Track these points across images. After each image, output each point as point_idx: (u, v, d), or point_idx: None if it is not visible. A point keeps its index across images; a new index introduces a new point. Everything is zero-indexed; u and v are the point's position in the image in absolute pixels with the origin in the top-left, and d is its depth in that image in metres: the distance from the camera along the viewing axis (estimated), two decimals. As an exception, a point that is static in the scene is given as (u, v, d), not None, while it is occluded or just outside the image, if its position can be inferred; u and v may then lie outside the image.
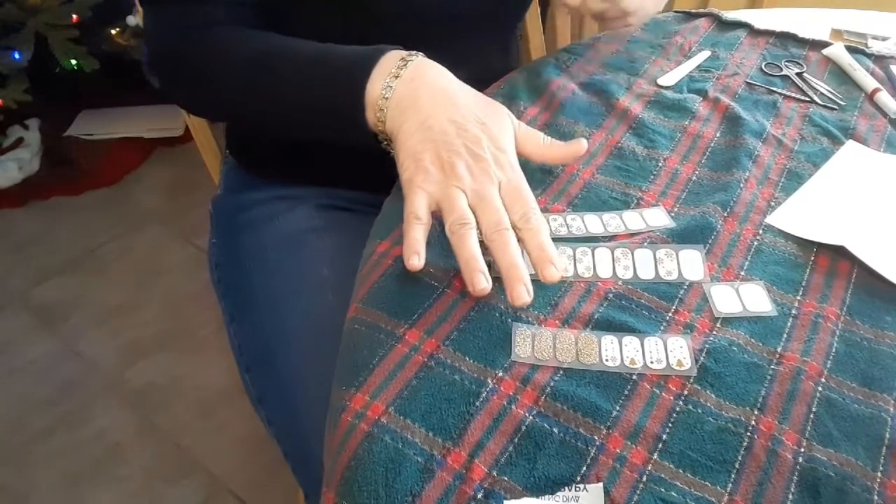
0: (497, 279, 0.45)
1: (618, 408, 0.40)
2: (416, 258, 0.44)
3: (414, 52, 0.51)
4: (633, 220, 0.53)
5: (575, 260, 0.49)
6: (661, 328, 0.44)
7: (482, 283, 0.43)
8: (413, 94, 0.49)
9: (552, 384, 0.41)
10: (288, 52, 0.55)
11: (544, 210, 0.54)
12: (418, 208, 0.45)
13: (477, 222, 0.45)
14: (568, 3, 0.59)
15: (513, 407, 0.39)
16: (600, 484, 0.36)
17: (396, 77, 0.49)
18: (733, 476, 0.37)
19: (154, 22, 0.62)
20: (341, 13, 0.61)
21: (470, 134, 0.47)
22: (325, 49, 0.54)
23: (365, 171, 0.61)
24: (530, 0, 0.77)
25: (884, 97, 0.67)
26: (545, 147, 0.52)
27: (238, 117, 0.67)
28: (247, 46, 0.57)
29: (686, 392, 0.41)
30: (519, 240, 0.45)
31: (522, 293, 0.42)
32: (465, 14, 0.66)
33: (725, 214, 0.53)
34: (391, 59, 0.50)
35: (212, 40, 0.58)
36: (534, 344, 0.43)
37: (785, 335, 0.44)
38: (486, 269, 0.43)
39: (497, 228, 0.44)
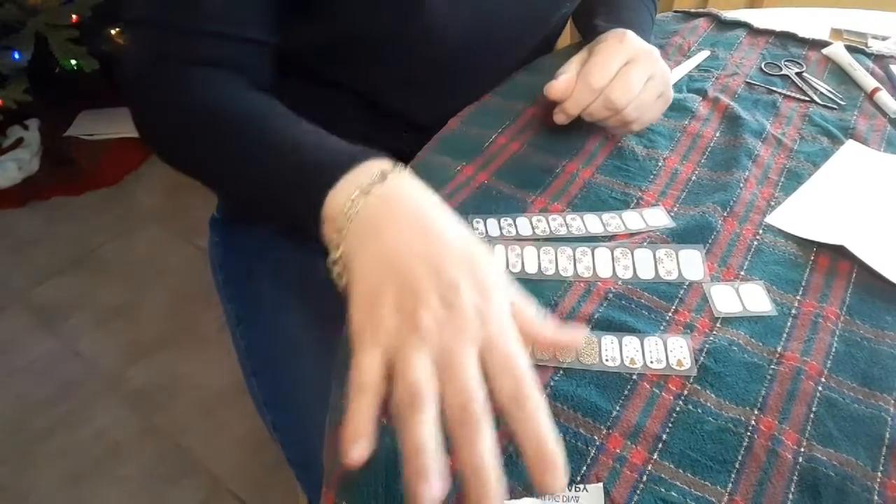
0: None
1: (618, 408, 0.40)
2: (357, 447, 0.31)
3: (398, 165, 0.41)
4: (632, 219, 0.53)
5: (575, 260, 0.49)
6: (661, 328, 0.44)
7: (427, 492, 0.29)
8: (379, 216, 0.38)
9: (552, 384, 0.41)
10: (268, 127, 0.46)
11: (544, 210, 0.53)
12: (365, 373, 0.33)
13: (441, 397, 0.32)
14: (567, 112, 0.58)
15: (513, 407, 0.39)
16: (600, 484, 0.36)
17: (367, 193, 0.38)
18: (733, 476, 0.37)
19: (146, 44, 0.52)
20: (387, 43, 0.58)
21: (445, 276, 0.35)
22: (306, 135, 0.45)
23: None
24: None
25: (883, 97, 0.67)
26: (539, 327, 0.37)
27: (205, 176, 0.53)
28: (233, 102, 0.49)
29: (686, 392, 0.41)
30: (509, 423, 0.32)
31: None
32: (503, 36, 0.65)
33: (725, 214, 0.53)
34: (367, 169, 0.40)
35: (203, 80, 0.51)
36: (534, 344, 0.43)
37: (785, 335, 0.44)
38: (437, 467, 0.30)
39: (463, 412, 0.31)
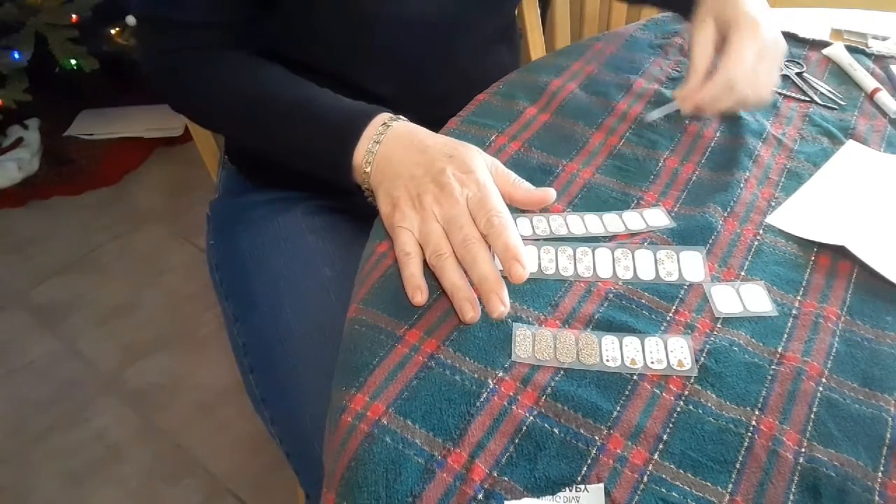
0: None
1: (618, 408, 0.40)
2: (419, 293, 0.45)
3: (396, 116, 0.55)
4: (633, 220, 0.53)
5: (575, 260, 0.49)
6: (662, 328, 0.44)
7: (469, 312, 0.43)
8: (389, 154, 0.53)
9: (553, 384, 0.41)
10: (283, 98, 0.59)
11: (544, 211, 0.54)
12: (405, 244, 0.47)
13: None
14: (703, 109, 0.60)
15: (513, 407, 0.39)
16: (601, 484, 0.36)
17: (378, 143, 0.53)
18: (734, 476, 0.37)
19: (149, 40, 0.64)
20: (341, 23, 0.64)
21: (435, 168, 0.50)
22: (317, 102, 0.58)
23: None
24: None
25: (884, 97, 0.67)
26: (511, 186, 0.53)
27: (237, 140, 0.72)
28: (245, 80, 0.61)
29: (687, 392, 0.41)
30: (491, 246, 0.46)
31: (496, 305, 0.43)
32: (454, 14, 0.67)
33: (725, 214, 0.53)
34: (376, 123, 0.54)
35: (211, 65, 0.61)
36: (534, 344, 0.43)
37: (785, 335, 0.44)
38: (473, 295, 0.44)
39: (464, 245, 0.45)
